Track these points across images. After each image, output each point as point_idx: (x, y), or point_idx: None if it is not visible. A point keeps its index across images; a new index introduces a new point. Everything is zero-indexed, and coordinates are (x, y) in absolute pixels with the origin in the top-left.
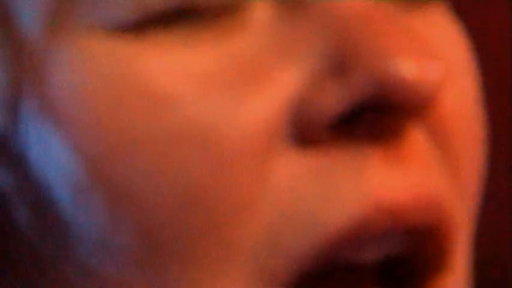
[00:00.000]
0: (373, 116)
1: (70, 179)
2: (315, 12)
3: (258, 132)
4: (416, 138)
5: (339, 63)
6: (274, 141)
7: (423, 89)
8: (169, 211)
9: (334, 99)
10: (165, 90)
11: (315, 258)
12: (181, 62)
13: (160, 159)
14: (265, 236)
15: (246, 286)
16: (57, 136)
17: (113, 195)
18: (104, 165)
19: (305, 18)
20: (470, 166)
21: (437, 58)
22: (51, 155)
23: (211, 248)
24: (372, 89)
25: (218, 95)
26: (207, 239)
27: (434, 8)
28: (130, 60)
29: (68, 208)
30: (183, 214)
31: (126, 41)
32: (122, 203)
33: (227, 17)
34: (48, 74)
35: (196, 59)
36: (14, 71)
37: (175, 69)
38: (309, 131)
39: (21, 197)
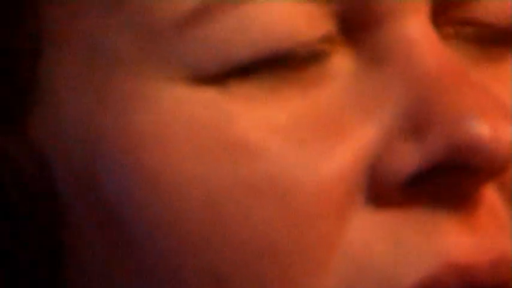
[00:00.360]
0: (448, 176)
1: (144, 214)
2: (392, 65)
3: (335, 188)
4: (490, 198)
5: (415, 121)
6: (349, 197)
7: (501, 152)
8: (240, 260)
9: (409, 159)
10: (248, 142)
11: None
12: (264, 114)
13: (237, 209)
14: None
15: None
16: (135, 174)
17: (184, 237)
18: (180, 207)
19: (383, 72)
20: None
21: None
22: (127, 190)
23: None
24: (448, 150)
25: (299, 149)
26: None
27: (506, 58)
28: (214, 110)
29: (140, 239)
30: (255, 264)
31: (210, 90)
32: (191, 245)
33: (309, 68)
34: (131, 115)
35: (278, 112)
36: (96, 106)
37: (259, 121)
38: (382, 189)
39: (94, 223)
